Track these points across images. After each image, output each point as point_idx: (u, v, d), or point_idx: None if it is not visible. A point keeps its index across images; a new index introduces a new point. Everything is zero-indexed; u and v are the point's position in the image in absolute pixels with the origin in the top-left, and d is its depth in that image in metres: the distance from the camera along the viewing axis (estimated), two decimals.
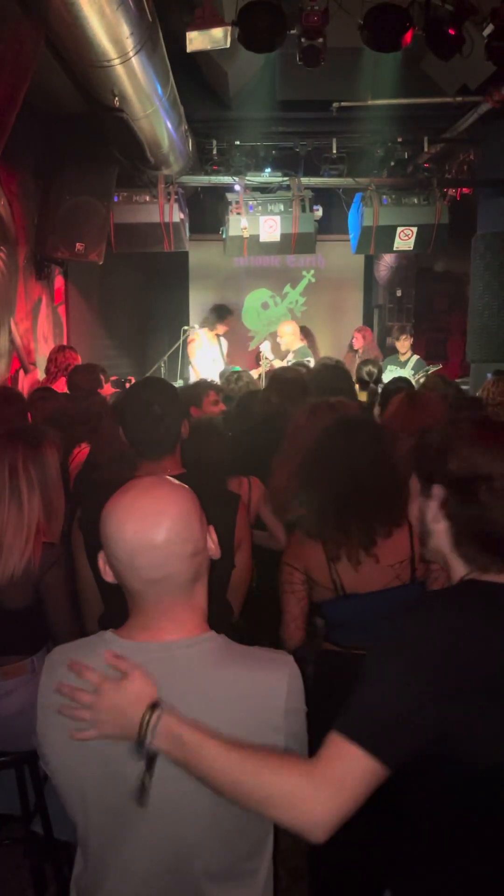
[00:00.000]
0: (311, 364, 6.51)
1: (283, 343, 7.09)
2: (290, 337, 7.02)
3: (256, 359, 7.72)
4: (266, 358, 7.02)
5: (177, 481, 1.30)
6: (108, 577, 1.28)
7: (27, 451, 2.28)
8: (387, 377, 6.10)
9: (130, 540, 1.20)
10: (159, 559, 1.20)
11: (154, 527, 1.20)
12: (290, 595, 2.19)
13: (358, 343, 7.86)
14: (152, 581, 1.22)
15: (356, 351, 7.82)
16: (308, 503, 2.17)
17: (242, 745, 1.14)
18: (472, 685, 1.13)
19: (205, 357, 7.09)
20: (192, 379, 6.93)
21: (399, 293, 9.89)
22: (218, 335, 7.25)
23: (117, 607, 1.37)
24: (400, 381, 4.99)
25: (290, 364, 6.21)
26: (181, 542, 1.21)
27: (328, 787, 1.10)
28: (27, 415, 3.77)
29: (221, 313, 7.27)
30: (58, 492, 2.41)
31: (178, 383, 6.96)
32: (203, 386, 4.25)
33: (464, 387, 6.91)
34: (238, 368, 6.36)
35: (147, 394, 2.12)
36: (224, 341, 7.36)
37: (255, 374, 6.52)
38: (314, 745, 1.19)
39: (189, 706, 1.17)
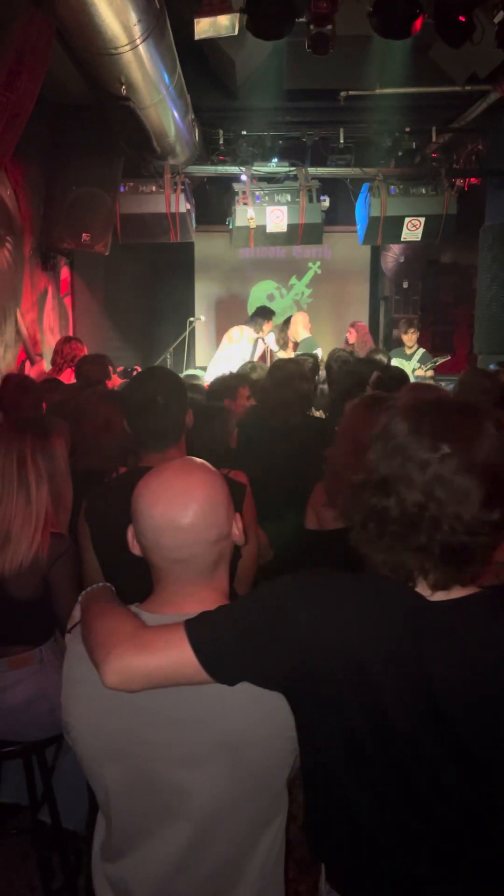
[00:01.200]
0: (319, 354, 6.49)
1: (290, 333, 7.03)
2: (295, 327, 6.97)
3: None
4: (271, 350, 6.97)
5: (211, 467, 1.33)
6: (135, 549, 1.32)
7: (36, 442, 2.28)
8: None
9: (158, 519, 1.24)
10: (183, 541, 1.24)
11: (182, 510, 1.24)
12: None
13: (352, 338, 7.81)
14: (175, 560, 1.26)
15: (352, 345, 7.77)
16: None
17: (120, 608, 1.29)
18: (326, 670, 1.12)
19: (230, 354, 6.88)
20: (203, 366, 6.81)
21: (405, 285, 9.84)
22: (261, 338, 6.90)
23: (124, 600, 1.37)
24: (395, 370, 4.90)
25: (296, 355, 6.16)
26: (206, 527, 1.24)
27: (143, 649, 1.16)
28: (41, 406, 3.75)
29: (266, 314, 6.92)
30: (66, 483, 2.40)
31: (189, 372, 6.90)
32: (240, 378, 4.23)
33: None
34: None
35: (151, 385, 2.09)
36: (261, 344, 6.94)
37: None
38: None
39: None
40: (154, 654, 1.16)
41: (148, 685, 1.17)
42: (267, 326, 6.92)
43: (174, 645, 1.16)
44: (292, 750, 1.26)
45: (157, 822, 1.26)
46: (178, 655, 1.15)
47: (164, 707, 1.21)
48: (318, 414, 4.44)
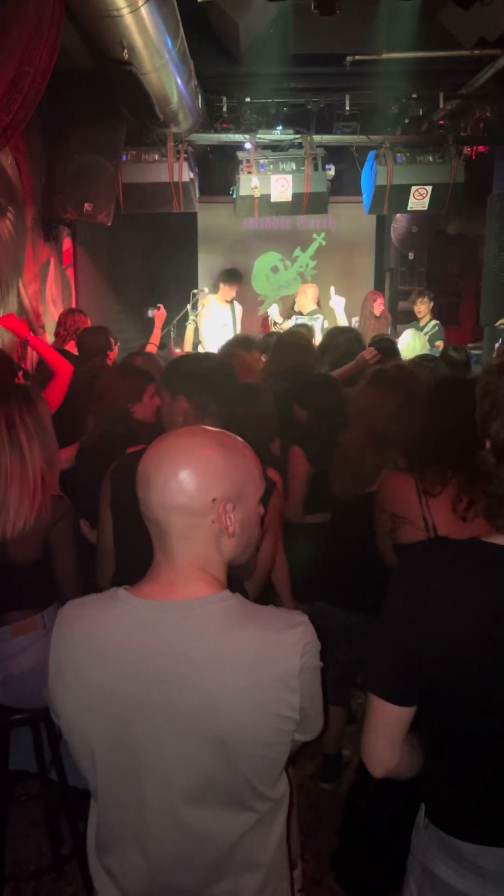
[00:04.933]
0: (318, 324, 6.44)
1: (296, 304, 6.97)
2: (304, 298, 6.91)
3: (263, 323, 7.62)
4: (275, 321, 6.92)
5: (234, 442, 1.27)
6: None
7: (22, 405, 2.28)
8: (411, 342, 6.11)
9: (140, 471, 1.23)
10: (152, 500, 1.21)
11: (156, 465, 1.21)
12: (382, 535, 2.43)
13: (378, 309, 7.73)
14: (148, 520, 1.23)
15: (378, 318, 7.70)
16: (417, 444, 2.30)
17: None
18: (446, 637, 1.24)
19: (215, 323, 6.97)
20: (201, 348, 6.82)
21: (411, 256, 9.73)
22: (231, 300, 7.09)
23: (130, 569, 1.34)
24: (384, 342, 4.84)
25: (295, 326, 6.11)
26: (175, 491, 1.19)
27: (368, 735, 1.35)
28: (16, 377, 3.73)
29: (228, 277, 7.11)
30: (55, 445, 2.40)
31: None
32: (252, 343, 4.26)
33: (476, 352, 6.83)
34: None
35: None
36: (238, 306, 7.18)
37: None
38: None
39: (203, 666, 1.17)
40: (372, 733, 1.34)
41: (396, 746, 1.34)
42: (227, 288, 6.96)
43: (380, 713, 1.32)
44: (286, 742, 1.24)
45: (145, 816, 1.23)
46: (379, 713, 1.32)
47: (156, 700, 1.17)
48: None
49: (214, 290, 7.09)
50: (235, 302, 7.14)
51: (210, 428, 1.29)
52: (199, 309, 6.94)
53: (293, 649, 1.20)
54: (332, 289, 6.69)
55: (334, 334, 4.85)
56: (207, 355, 3.46)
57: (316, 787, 3.06)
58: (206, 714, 1.16)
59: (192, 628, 1.19)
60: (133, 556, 1.39)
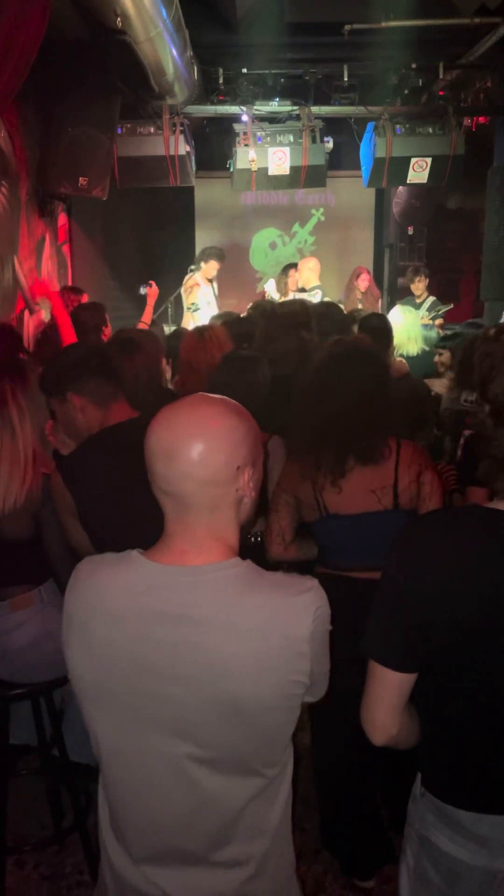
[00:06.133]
0: (317, 299, 6.38)
1: (300, 279, 6.86)
2: (304, 273, 6.82)
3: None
4: (272, 298, 6.84)
5: (239, 408, 1.27)
6: None
7: (15, 381, 2.26)
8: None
9: (153, 445, 1.21)
10: (174, 472, 1.19)
11: (174, 438, 1.19)
12: (273, 513, 2.32)
13: (364, 284, 7.65)
14: (166, 493, 1.21)
15: (364, 293, 7.63)
16: (294, 425, 2.28)
17: None
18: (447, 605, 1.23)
19: (203, 300, 6.85)
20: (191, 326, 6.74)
21: (411, 231, 9.65)
22: (209, 279, 6.91)
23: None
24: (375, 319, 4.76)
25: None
26: (199, 464, 1.18)
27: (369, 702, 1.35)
28: (20, 352, 3.69)
29: (216, 256, 6.88)
30: (47, 421, 2.39)
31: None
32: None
33: None
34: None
35: None
36: (215, 285, 7.04)
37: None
38: None
39: (214, 630, 1.17)
40: (373, 700, 1.34)
41: (397, 713, 1.34)
42: (207, 266, 6.77)
43: (382, 680, 1.32)
44: (296, 706, 1.24)
45: (152, 779, 1.23)
46: (380, 680, 1.32)
47: (165, 661, 1.17)
48: None
49: (198, 269, 6.89)
50: (213, 281, 6.96)
51: (214, 395, 1.28)
52: (188, 289, 6.80)
53: (304, 614, 1.20)
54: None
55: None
56: (70, 347, 3.30)
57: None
58: (216, 677, 1.16)
59: (203, 592, 1.19)
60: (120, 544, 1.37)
